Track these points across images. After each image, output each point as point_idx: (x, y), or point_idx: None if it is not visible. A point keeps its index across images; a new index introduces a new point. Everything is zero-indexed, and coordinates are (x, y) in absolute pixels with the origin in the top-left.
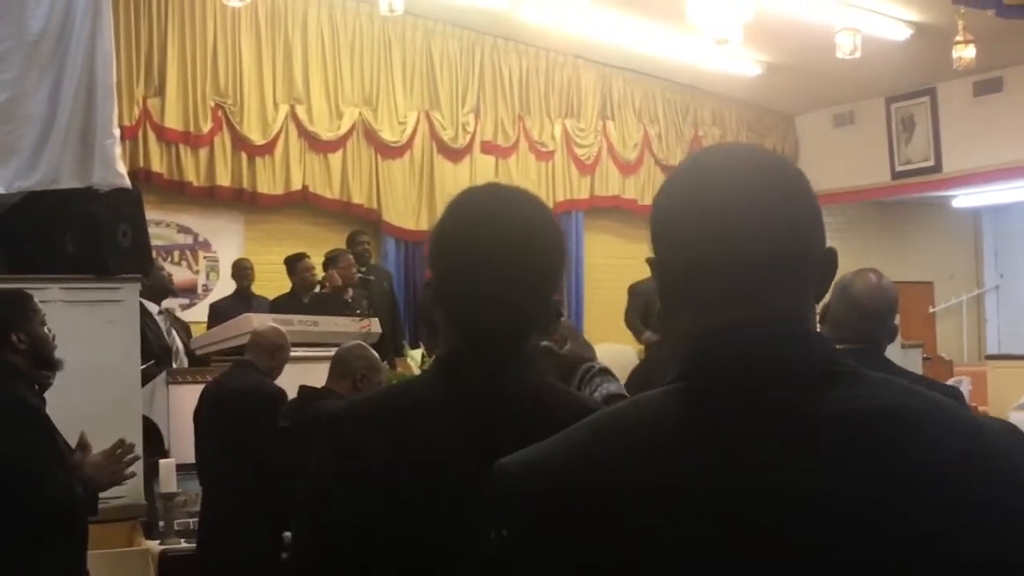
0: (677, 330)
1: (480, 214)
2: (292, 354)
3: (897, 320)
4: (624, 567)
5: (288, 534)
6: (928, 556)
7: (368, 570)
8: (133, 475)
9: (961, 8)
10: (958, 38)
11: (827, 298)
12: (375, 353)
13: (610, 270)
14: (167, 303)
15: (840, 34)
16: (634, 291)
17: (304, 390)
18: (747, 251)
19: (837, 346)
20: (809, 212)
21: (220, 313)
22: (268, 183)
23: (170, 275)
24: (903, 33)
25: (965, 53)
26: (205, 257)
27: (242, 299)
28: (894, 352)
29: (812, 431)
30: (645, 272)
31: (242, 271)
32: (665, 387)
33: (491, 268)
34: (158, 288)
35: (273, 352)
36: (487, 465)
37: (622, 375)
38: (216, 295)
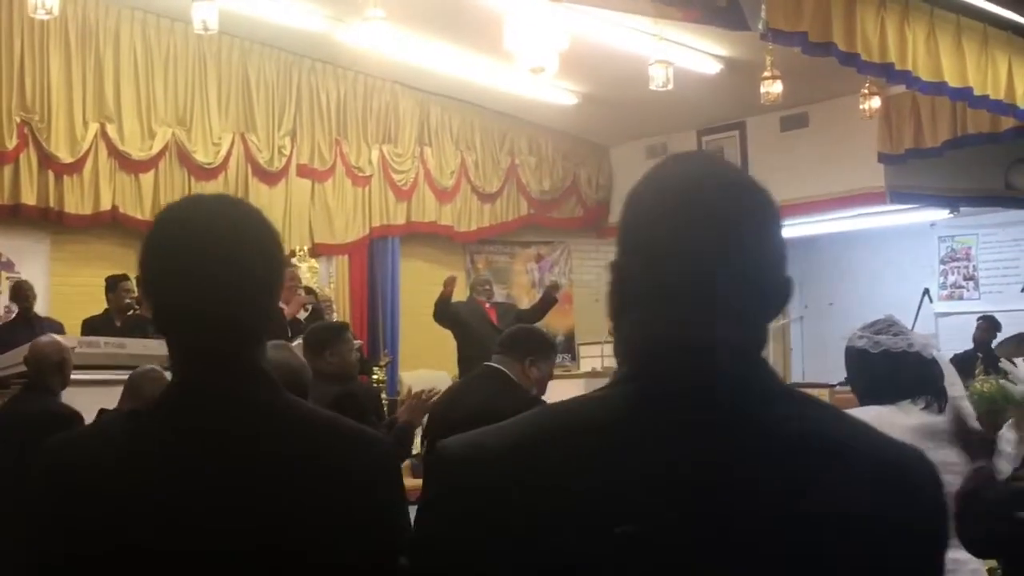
0: (627, 332)
1: (182, 224)
2: (97, 377)
3: None
4: (555, 559)
5: None
6: None
7: None
8: None
9: (769, 44)
10: (766, 73)
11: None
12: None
13: (426, 296)
14: None
15: (653, 67)
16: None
17: (102, 414)
18: (713, 270)
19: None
20: (778, 239)
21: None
22: (76, 203)
23: None
24: (714, 67)
25: (773, 88)
26: (8, 278)
27: (25, 321)
28: None
29: (748, 447)
30: (458, 299)
31: (22, 293)
32: (613, 387)
33: (199, 278)
34: None
35: (62, 367)
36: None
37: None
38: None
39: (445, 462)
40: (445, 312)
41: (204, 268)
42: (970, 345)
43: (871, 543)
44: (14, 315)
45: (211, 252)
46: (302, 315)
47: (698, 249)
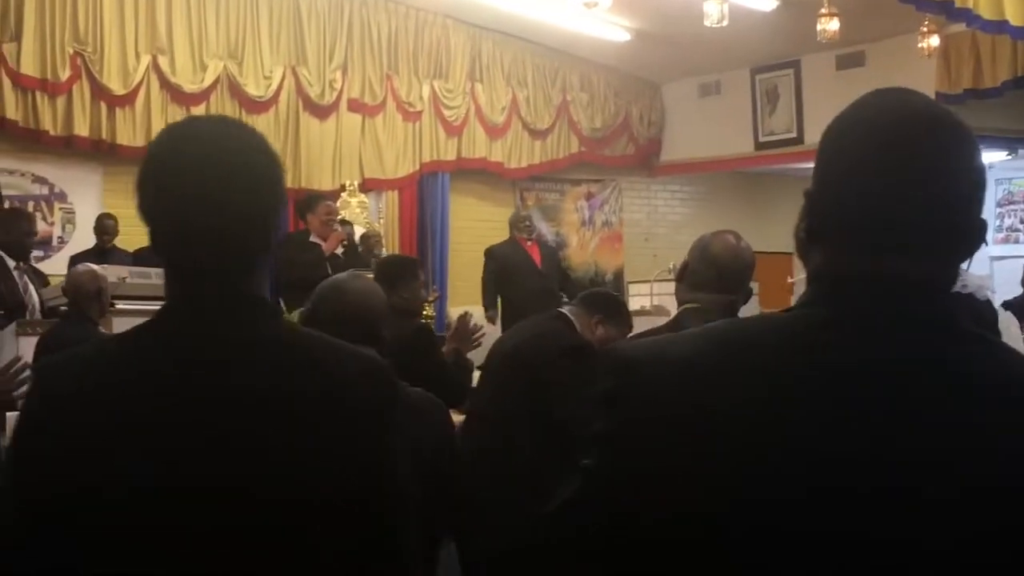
0: (818, 259)
1: (179, 143)
2: (147, 307)
3: (757, 289)
4: (727, 476)
5: None
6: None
7: None
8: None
9: None
10: (823, 11)
11: (686, 258)
12: None
13: (475, 233)
14: None
15: (707, 2)
16: (491, 254)
17: None
18: (907, 206)
19: (694, 305)
20: (974, 178)
21: None
22: (128, 135)
23: (34, 233)
24: (770, 4)
25: (829, 26)
26: (61, 208)
27: (100, 254)
28: None
29: (934, 385)
30: (507, 235)
31: (104, 228)
32: (799, 309)
33: (194, 196)
34: (16, 245)
35: (99, 295)
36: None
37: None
38: (73, 247)
39: (620, 362)
40: (491, 283)
41: (199, 185)
42: (1020, 290)
43: None
44: (92, 246)
45: (206, 170)
46: (339, 251)
47: (893, 184)
